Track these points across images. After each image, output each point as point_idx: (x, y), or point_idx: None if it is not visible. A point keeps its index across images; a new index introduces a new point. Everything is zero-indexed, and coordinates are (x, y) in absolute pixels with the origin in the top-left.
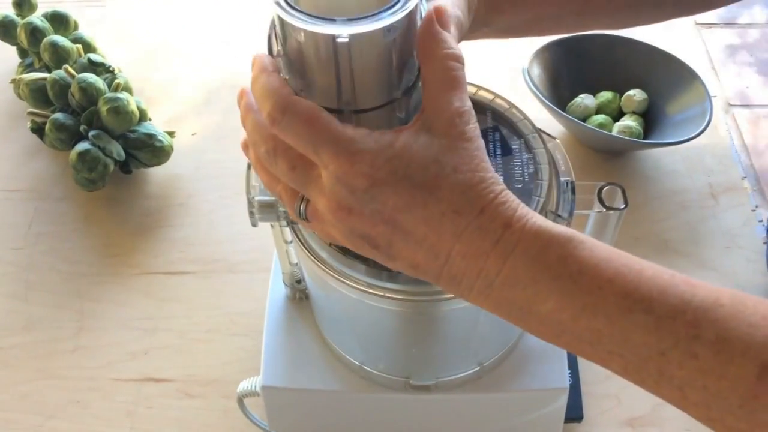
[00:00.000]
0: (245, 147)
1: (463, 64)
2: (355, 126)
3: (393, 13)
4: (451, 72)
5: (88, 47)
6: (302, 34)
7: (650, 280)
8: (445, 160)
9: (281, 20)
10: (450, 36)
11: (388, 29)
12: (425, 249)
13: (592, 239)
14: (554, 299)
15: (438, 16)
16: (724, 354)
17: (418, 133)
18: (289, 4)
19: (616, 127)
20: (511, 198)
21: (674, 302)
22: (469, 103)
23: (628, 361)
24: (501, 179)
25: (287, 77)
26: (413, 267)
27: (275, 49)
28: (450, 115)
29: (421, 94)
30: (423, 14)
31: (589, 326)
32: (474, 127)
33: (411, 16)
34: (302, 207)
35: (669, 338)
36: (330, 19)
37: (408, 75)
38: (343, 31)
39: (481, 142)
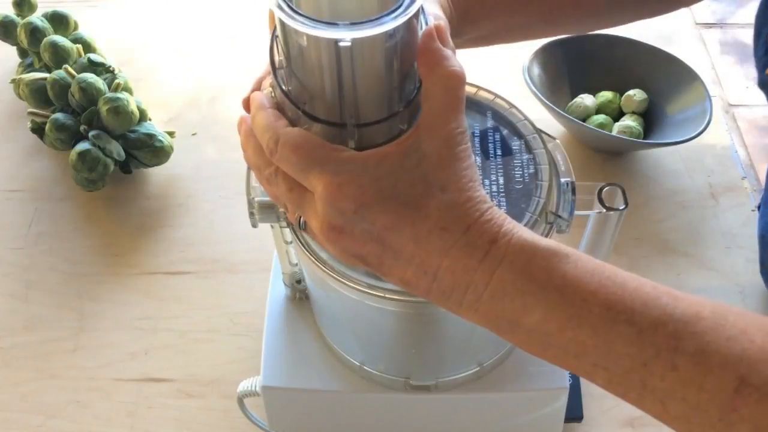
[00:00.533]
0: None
1: (463, 80)
2: (358, 140)
3: (395, 18)
4: (451, 92)
5: (88, 47)
6: (305, 38)
7: (633, 292)
8: (433, 179)
9: (283, 25)
10: (451, 53)
11: (390, 34)
12: (414, 266)
13: (578, 252)
14: (540, 310)
15: (438, 32)
16: (703, 366)
17: (407, 151)
18: (291, 8)
19: (616, 127)
20: (497, 214)
21: (656, 314)
22: (464, 125)
23: (612, 374)
24: (489, 197)
25: (290, 89)
26: (404, 283)
27: (277, 59)
28: (444, 136)
29: (420, 104)
30: (424, 25)
31: (574, 338)
32: (466, 148)
33: (412, 21)
34: (302, 220)
35: (650, 349)
36: (332, 24)
37: (409, 85)
38: (345, 36)
39: (472, 161)
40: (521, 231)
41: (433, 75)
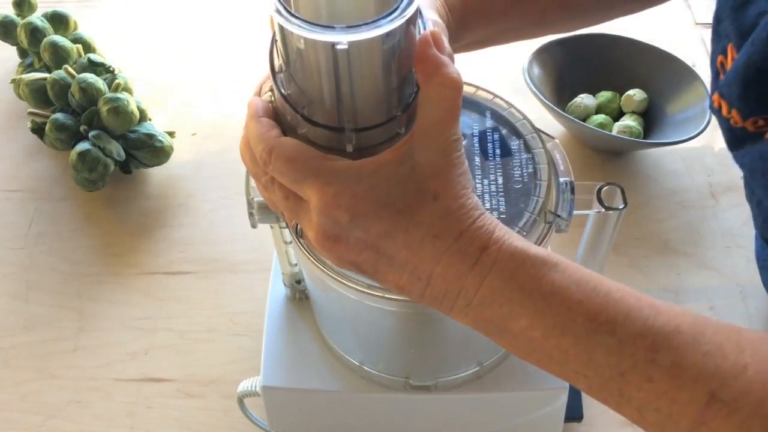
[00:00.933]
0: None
1: (461, 89)
2: (356, 144)
3: (391, 21)
4: (447, 101)
5: (88, 47)
6: (302, 41)
7: (616, 303)
8: (427, 187)
9: (282, 29)
10: (448, 59)
11: (386, 35)
12: (408, 272)
13: (567, 261)
14: (527, 317)
15: (434, 38)
16: (677, 379)
17: (402, 159)
18: (289, 12)
19: (616, 127)
20: (488, 221)
21: (637, 326)
22: (459, 133)
23: (592, 381)
24: (482, 204)
25: (289, 93)
26: (399, 288)
27: (276, 63)
28: (439, 144)
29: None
30: (422, 29)
31: (557, 345)
32: (459, 155)
33: (409, 24)
34: (299, 227)
35: (629, 360)
36: (329, 27)
37: (407, 89)
38: (342, 39)
39: (466, 168)
40: (512, 238)
41: (430, 83)
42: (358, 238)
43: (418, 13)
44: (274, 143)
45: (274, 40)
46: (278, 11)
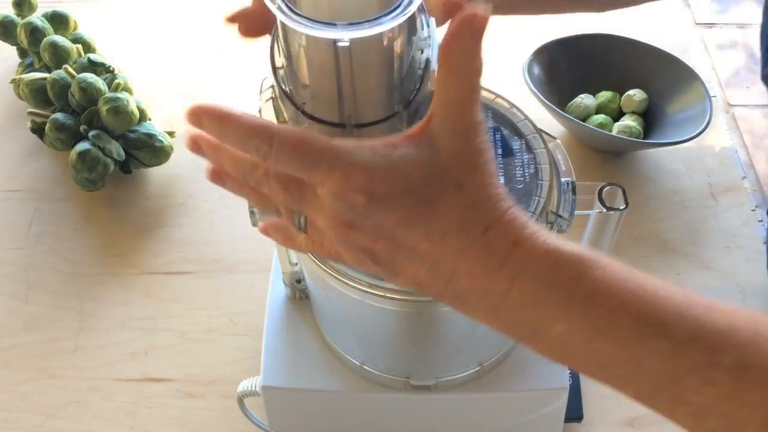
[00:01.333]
0: (216, 178)
1: (481, 72)
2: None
3: (394, 18)
4: (472, 83)
5: (88, 47)
6: (304, 38)
7: (665, 302)
8: (449, 175)
9: (283, 26)
10: (480, 48)
11: (388, 33)
12: (428, 266)
13: (605, 258)
14: (565, 322)
15: (477, 21)
16: (742, 381)
17: (420, 144)
18: (291, 9)
19: (616, 127)
20: (520, 215)
21: (691, 326)
22: (482, 116)
23: (641, 386)
24: (509, 194)
25: (290, 89)
26: (416, 284)
27: (277, 60)
28: (459, 128)
29: (420, 104)
30: (425, 25)
31: (601, 350)
32: (483, 140)
33: (411, 21)
34: (302, 220)
35: (686, 364)
36: (331, 24)
37: (409, 85)
38: (343, 36)
39: (491, 155)
40: (545, 234)
41: (457, 70)
42: (374, 224)
43: (420, 9)
44: (272, 131)
45: (275, 37)
46: (280, 8)
